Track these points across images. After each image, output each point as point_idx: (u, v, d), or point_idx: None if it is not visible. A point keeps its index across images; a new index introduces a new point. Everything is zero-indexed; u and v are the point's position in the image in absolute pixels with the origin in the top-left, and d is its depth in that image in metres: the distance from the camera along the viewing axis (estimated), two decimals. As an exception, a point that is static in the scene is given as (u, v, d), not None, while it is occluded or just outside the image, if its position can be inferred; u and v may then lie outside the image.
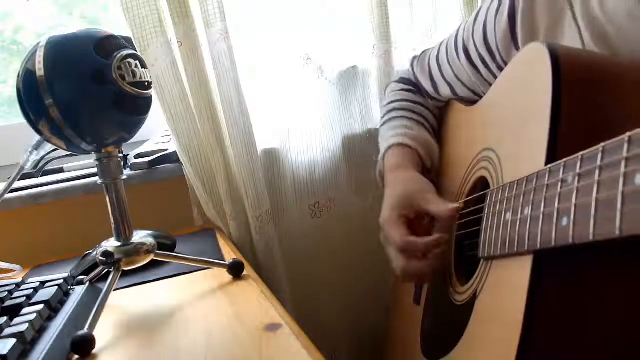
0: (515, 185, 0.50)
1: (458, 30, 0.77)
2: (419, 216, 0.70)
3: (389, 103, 0.91)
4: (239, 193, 1.04)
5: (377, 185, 0.85)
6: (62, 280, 0.71)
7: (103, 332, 0.62)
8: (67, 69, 0.60)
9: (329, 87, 1.13)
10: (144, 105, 0.66)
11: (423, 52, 0.90)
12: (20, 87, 0.61)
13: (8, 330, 0.55)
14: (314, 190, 1.14)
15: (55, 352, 0.54)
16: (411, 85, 0.91)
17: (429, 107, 0.87)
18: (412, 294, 0.81)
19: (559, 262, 0.43)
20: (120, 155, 0.69)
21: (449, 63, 0.79)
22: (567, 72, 0.48)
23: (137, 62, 0.64)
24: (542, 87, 0.48)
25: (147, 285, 0.78)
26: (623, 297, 0.42)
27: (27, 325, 0.55)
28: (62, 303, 0.67)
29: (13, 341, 0.52)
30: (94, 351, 0.57)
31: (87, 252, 0.87)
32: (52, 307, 0.64)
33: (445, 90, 0.82)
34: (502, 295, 0.50)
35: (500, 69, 0.69)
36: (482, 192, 0.61)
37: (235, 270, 0.75)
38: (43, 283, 0.70)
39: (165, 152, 1.09)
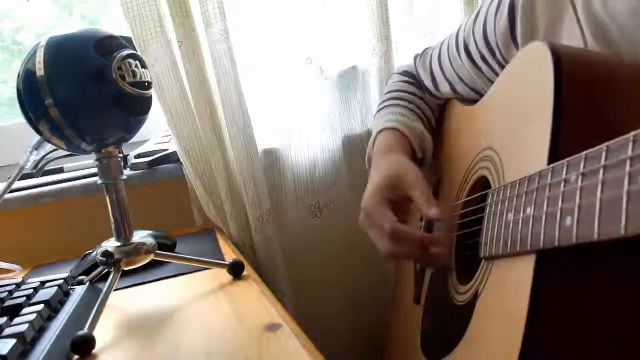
0: (517, 185, 0.49)
1: (459, 29, 0.77)
2: (403, 199, 0.70)
3: (388, 92, 0.91)
4: (239, 193, 1.04)
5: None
6: (62, 280, 0.71)
7: (103, 332, 0.62)
8: (67, 68, 0.60)
9: (329, 87, 1.13)
10: (144, 105, 0.66)
11: (425, 50, 0.90)
12: (20, 87, 0.61)
13: (8, 330, 0.54)
14: (314, 190, 1.14)
15: (55, 352, 0.54)
16: (412, 78, 0.91)
17: (428, 102, 0.87)
18: (412, 294, 0.81)
19: (561, 262, 0.43)
20: (120, 155, 0.69)
21: (449, 61, 0.79)
22: (568, 71, 0.48)
23: (137, 62, 0.64)
24: (544, 86, 0.48)
25: (147, 285, 0.78)
26: (626, 297, 0.42)
27: (27, 325, 0.55)
28: (62, 303, 0.67)
29: (13, 341, 0.52)
30: (94, 351, 0.57)
31: (87, 252, 0.87)
32: (52, 307, 0.64)
33: (445, 88, 0.82)
34: (504, 295, 0.49)
35: (500, 66, 0.69)
36: (483, 192, 0.61)
37: (235, 270, 0.75)
38: (43, 283, 0.70)
39: (165, 152, 1.09)
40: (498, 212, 0.53)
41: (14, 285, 0.69)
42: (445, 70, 0.81)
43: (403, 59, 1.12)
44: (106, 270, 0.70)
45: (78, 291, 0.71)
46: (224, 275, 0.75)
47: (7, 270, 0.90)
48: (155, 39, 0.95)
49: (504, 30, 0.65)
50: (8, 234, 1.03)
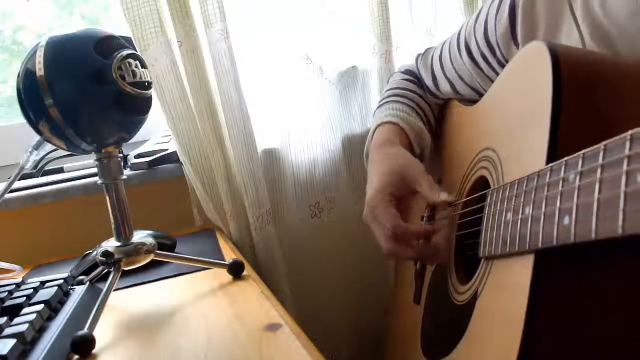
0: (516, 185, 0.49)
1: (460, 30, 0.78)
2: (406, 194, 0.70)
3: (389, 89, 0.91)
4: (239, 193, 1.04)
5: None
6: (62, 280, 0.71)
7: (103, 332, 0.62)
8: (67, 69, 0.60)
9: (329, 87, 1.13)
10: (144, 105, 0.66)
11: (427, 49, 0.90)
12: (20, 87, 0.61)
13: (8, 330, 0.54)
14: (314, 190, 1.14)
15: (55, 352, 0.54)
16: (413, 77, 0.91)
17: (428, 101, 0.87)
18: (412, 294, 0.81)
19: (560, 261, 0.43)
20: (120, 155, 0.69)
21: (450, 60, 0.79)
22: (567, 71, 0.48)
23: (137, 62, 0.64)
24: (543, 86, 0.48)
25: (147, 285, 0.78)
26: (625, 296, 0.42)
27: (27, 325, 0.55)
28: (62, 303, 0.67)
29: (13, 341, 0.52)
30: (94, 351, 0.57)
31: (87, 252, 0.87)
32: (52, 307, 0.64)
33: (445, 87, 0.83)
34: (503, 295, 0.49)
35: (501, 65, 0.69)
36: (482, 192, 0.61)
37: (235, 270, 0.75)
38: (43, 283, 0.70)
39: (165, 152, 1.09)
40: (497, 212, 0.53)
41: (14, 285, 0.69)
42: (446, 70, 0.81)
43: (403, 59, 1.13)
44: (106, 270, 0.70)
45: (78, 291, 0.71)
46: (224, 275, 0.75)
47: (7, 270, 0.90)
48: (155, 39, 0.95)
49: (504, 30, 0.66)
50: (8, 234, 1.03)
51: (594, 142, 0.37)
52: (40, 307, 0.61)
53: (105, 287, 0.65)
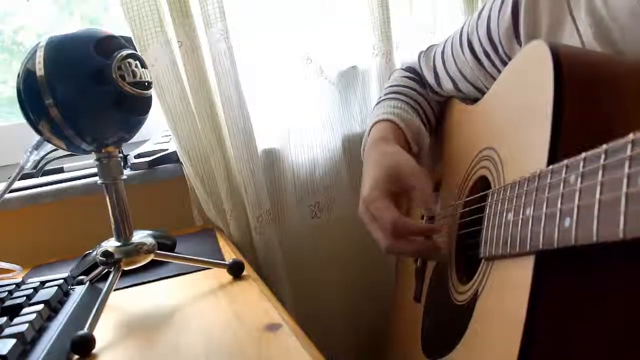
0: (517, 185, 0.49)
1: (462, 27, 0.78)
2: (403, 191, 0.70)
3: (389, 87, 0.91)
4: (239, 193, 1.04)
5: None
6: (62, 280, 0.71)
7: (103, 332, 0.62)
8: (67, 69, 0.60)
9: (329, 87, 1.13)
10: (144, 105, 0.66)
11: (429, 47, 0.90)
12: (20, 87, 0.61)
13: (8, 330, 0.54)
14: (314, 190, 1.14)
15: (55, 352, 0.54)
16: (415, 74, 0.91)
17: (428, 99, 0.87)
18: (412, 292, 0.81)
19: (561, 263, 0.43)
20: (120, 155, 0.69)
21: (453, 58, 0.79)
22: (568, 71, 0.48)
23: (137, 62, 0.64)
24: (544, 86, 0.48)
25: (147, 285, 0.78)
26: (625, 299, 0.42)
27: (27, 325, 0.55)
28: (62, 303, 0.67)
29: (13, 341, 0.52)
30: (94, 351, 0.57)
31: (87, 252, 0.87)
32: (52, 307, 0.64)
33: (447, 85, 0.83)
34: (504, 296, 0.49)
35: (503, 62, 0.69)
36: (483, 193, 0.61)
37: (235, 270, 0.75)
38: (43, 283, 0.70)
39: (165, 152, 1.09)
40: (498, 212, 0.53)
41: (14, 285, 0.69)
42: (449, 67, 0.81)
43: (403, 59, 1.13)
44: (106, 270, 0.70)
45: (78, 291, 0.71)
46: (224, 275, 0.75)
47: (7, 270, 0.90)
48: (155, 39, 0.95)
49: (507, 27, 0.66)
50: (8, 234, 1.03)
51: (595, 142, 0.37)
52: (40, 307, 0.61)
53: (105, 287, 0.65)
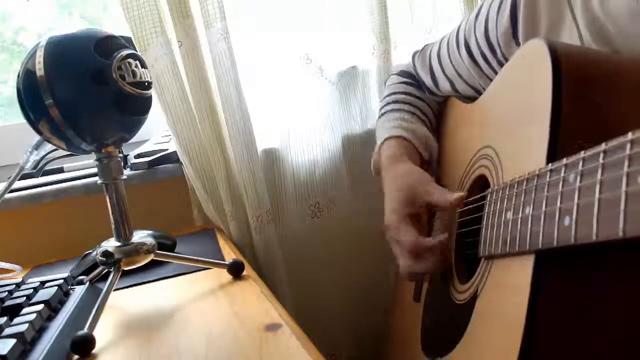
0: (516, 184, 0.49)
1: (459, 26, 0.77)
2: (422, 209, 0.70)
3: (388, 95, 0.90)
4: (239, 193, 1.04)
5: (377, 184, 0.85)
6: (62, 280, 0.71)
7: (103, 332, 0.62)
8: (67, 69, 0.60)
9: (329, 87, 1.13)
10: (144, 105, 0.66)
11: (424, 47, 0.90)
12: (20, 87, 0.61)
13: (8, 330, 0.54)
14: (314, 190, 1.14)
15: (55, 352, 0.54)
16: (411, 78, 0.91)
17: (428, 102, 0.87)
18: (412, 292, 0.81)
19: (560, 262, 0.43)
20: (120, 155, 0.69)
21: (449, 58, 0.79)
22: (567, 69, 0.48)
23: (137, 62, 0.64)
24: (542, 85, 0.48)
25: (147, 285, 0.78)
26: (625, 298, 0.42)
27: (27, 325, 0.55)
28: (62, 303, 0.67)
29: (13, 341, 0.52)
30: (94, 351, 0.57)
31: (87, 252, 0.87)
32: (52, 307, 0.64)
33: (445, 86, 0.83)
34: (503, 295, 0.49)
35: (501, 64, 0.69)
36: (483, 193, 0.61)
37: (235, 270, 0.75)
38: (43, 283, 0.70)
39: (165, 152, 1.09)
40: (497, 211, 0.53)
41: (14, 285, 0.69)
42: (445, 68, 0.81)
43: (403, 59, 1.12)
44: (106, 270, 0.70)
45: (78, 291, 0.71)
46: (224, 275, 0.75)
47: (7, 270, 0.90)
48: (155, 39, 0.95)
49: (505, 29, 0.65)
50: (8, 234, 1.03)
51: (593, 140, 0.37)
52: (40, 307, 0.61)
53: (105, 287, 0.65)
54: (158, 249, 0.71)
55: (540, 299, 0.43)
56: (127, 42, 0.65)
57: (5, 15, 1.21)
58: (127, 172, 1.04)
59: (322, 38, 1.10)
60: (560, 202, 0.40)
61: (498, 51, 0.68)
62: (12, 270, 0.90)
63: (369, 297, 1.17)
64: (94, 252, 0.79)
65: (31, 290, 0.67)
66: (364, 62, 1.15)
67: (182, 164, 1.04)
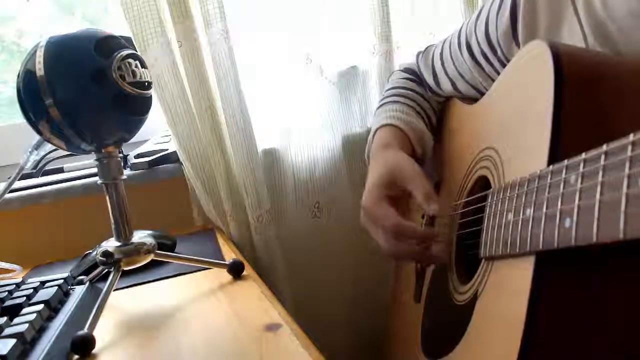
0: (517, 185, 0.49)
1: (461, 28, 0.78)
2: (403, 195, 0.70)
3: (389, 89, 0.91)
4: (239, 193, 1.04)
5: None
6: (62, 280, 0.71)
7: (103, 332, 0.62)
8: (67, 69, 0.60)
9: (329, 87, 1.13)
10: (144, 105, 0.66)
11: (427, 47, 0.90)
12: (20, 87, 0.61)
13: (8, 330, 0.54)
14: (314, 190, 1.14)
15: (55, 352, 0.54)
16: (414, 75, 0.91)
17: (429, 100, 0.87)
18: (412, 293, 0.81)
19: (561, 264, 0.43)
20: (120, 155, 0.69)
21: (451, 59, 0.79)
22: (568, 70, 0.47)
23: (137, 62, 0.64)
24: (544, 86, 0.48)
25: (147, 285, 0.78)
26: (626, 299, 0.42)
27: (27, 325, 0.55)
28: (62, 303, 0.67)
29: (13, 341, 0.52)
30: (94, 351, 0.57)
31: (87, 252, 0.87)
32: (52, 307, 0.64)
33: (447, 86, 0.83)
34: (504, 296, 0.49)
35: (502, 64, 0.69)
36: (483, 193, 0.61)
37: (235, 270, 0.75)
38: (43, 283, 0.70)
39: (165, 152, 1.09)
40: (498, 212, 0.53)
41: (14, 285, 0.69)
42: (447, 68, 0.81)
43: (404, 59, 1.12)
44: (106, 270, 0.70)
45: (78, 291, 0.71)
46: (224, 275, 0.75)
47: (7, 270, 0.90)
48: (155, 39, 0.95)
49: (505, 29, 0.66)
50: (8, 234, 1.03)
51: (595, 142, 0.37)
52: (40, 307, 0.61)
53: (105, 287, 0.65)
54: (158, 249, 0.72)
55: (540, 301, 0.43)
56: (127, 42, 0.65)
57: (6, 15, 1.21)
58: (127, 172, 1.03)
59: (322, 38, 1.10)
60: (561, 204, 0.40)
61: (499, 51, 0.69)
62: (12, 270, 0.90)
63: (369, 297, 1.17)
64: (94, 252, 0.79)
65: (31, 290, 0.67)
66: (364, 62, 1.15)
67: (182, 164, 1.04)
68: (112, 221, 0.68)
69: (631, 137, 0.33)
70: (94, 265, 0.78)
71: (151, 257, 0.70)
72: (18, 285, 0.70)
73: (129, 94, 0.62)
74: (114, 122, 0.64)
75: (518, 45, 0.65)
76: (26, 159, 0.75)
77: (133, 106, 0.64)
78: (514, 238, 0.48)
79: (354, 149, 1.15)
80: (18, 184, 1.02)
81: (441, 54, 0.83)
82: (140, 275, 0.81)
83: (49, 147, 0.72)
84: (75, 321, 0.62)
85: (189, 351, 0.55)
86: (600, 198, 0.35)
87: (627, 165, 0.33)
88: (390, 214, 0.67)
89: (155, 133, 1.16)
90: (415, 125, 0.81)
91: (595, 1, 0.54)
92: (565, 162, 0.41)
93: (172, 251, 0.90)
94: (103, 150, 0.66)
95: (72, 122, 0.61)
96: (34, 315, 0.58)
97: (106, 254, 0.67)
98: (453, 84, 0.81)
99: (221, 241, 0.97)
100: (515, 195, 0.49)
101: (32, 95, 0.60)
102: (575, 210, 0.38)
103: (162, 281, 0.79)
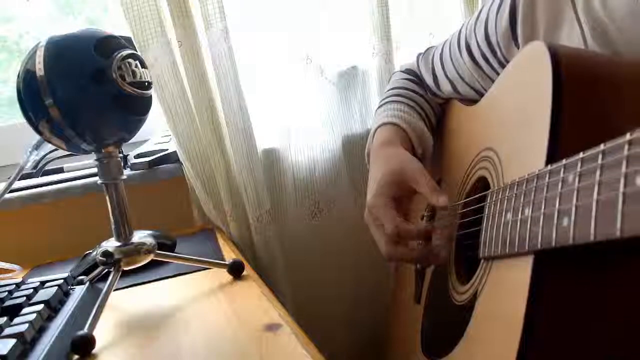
0: (516, 185, 0.50)
1: (460, 30, 0.78)
2: (406, 194, 0.70)
3: (390, 89, 0.91)
4: (239, 193, 1.04)
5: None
6: (62, 280, 0.71)
7: (103, 332, 0.62)
8: (67, 68, 0.61)
9: (329, 87, 1.13)
10: (144, 105, 0.66)
11: (428, 49, 0.90)
12: (20, 87, 0.61)
13: (8, 330, 0.55)
14: (314, 190, 1.14)
15: (55, 352, 0.54)
16: (414, 76, 0.91)
17: (429, 101, 0.87)
18: (412, 293, 0.81)
19: (559, 263, 0.43)
20: (120, 155, 0.69)
21: (451, 60, 0.80)
22: (567, 71, 0.48)
23: (137, 62, 0.64)
24: (543, 87, 0.48)
25: (147, 285, 0.78)
26: (624, 297, 0.42)
27: (27, 325, 0.55)
28: (62, 303, 0.67)
29: (13, 341, 0.52)
30: (94, 351, 0.57)
31: (87, 252, 0.87)
32: (52, 307, 0.64)
33: (446, 87, 0.83)
34: (503, 296, 0.50)
35: (501, 65, 0.69)
36: (482, 193, 0.61)
37: (235, 270, 0.75)
38: (43, 283, 0.70)
39: (165, 152, 1.09)
40: (497, 212, 0.53)
41: (14, 285, 0.69)
42: (447, 69, 0.81)
43: (403, 59, 1.12)
44: (106, 270, 0.70)
45: (78, 291, 0.71)
46: (224, 275, 0.75)
47: (7, 270, 0.90)
48: (155, 39, 0.95)
49: (505, 30, 0.66)
50: (8, 234, 1.03)
51: (593, 143, 0.37)
52: (40, 307, 0.61)
53: (105, 287, 0.65)
54: (158, 249, 0.72)
55: (539, 299, 0.43)
56: (127, 42, 0.65)
57: (6, 15, 1.21)
58: (127, 172, 1.04)
59: (322, 38, 1.10)
60: (559, 203, 0.40)
61: (498, 52, 0.69)
62: (12, 270, 0.90)
63: (369, 297, 1.17)
64: (94, 252, 0.79)
65: (31, 290, 0.67)
66: (364, 62, 1.15)
67: (182, 164, 1.04)
68: (112, 221, 0.68)
69: (628, 136, 0.33)
70: (94, 265, 0.78)
71: (151, 257, 0.70)
72: (18, 285, 0.70)
73: (129, 94, 0.62)
74: (114, 122, 0.64)
75: (517, 46, 0.65)
76: (26, 159, 0.75)
77: (133, 106, 0.64)
78: (513, 237, 0.48)
79: (354, 149, 1.15)
80: (18, 184, 1.02)
81: (441, 55, 0.83)
82: (140, 275, 0.81)
83: (49, 147, 0.72)
84: (75, 321, 0.62)
85: (189, 351, 0.55)
86: (598, 197, 0.35)
87: (624, 164, 0.33)
88: (392, 217, 0.67)
89: (155, 133, 1.16)
90: (415, 124, 0.81)
91: (594, 1, 0.54)
92: (563, 161, 0.41)
93: (172, 251, 0.90)
94: (103, 150, 0.66)
95: (72, 122, 0.61)
96: (34, 315, 0.58)
97: (106, 254, 0.67)
98: (453, 85, 0.81)
99: (221, 241, 0.97)
100: (514, 195, 0.50)
101: (32, 95, 0.60)
102: (573, 209, 0.38)
103: (162, 281, 0.79)
